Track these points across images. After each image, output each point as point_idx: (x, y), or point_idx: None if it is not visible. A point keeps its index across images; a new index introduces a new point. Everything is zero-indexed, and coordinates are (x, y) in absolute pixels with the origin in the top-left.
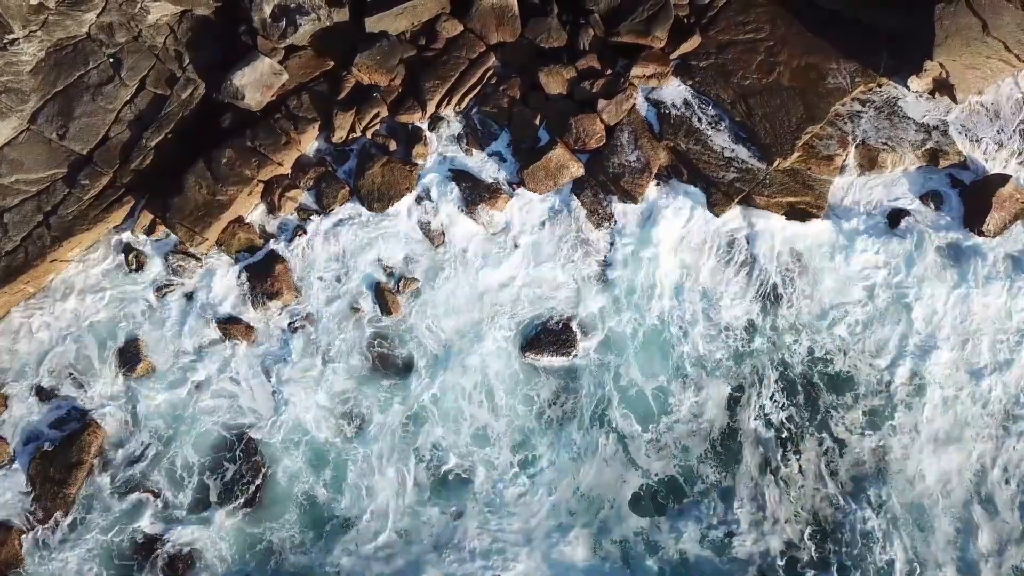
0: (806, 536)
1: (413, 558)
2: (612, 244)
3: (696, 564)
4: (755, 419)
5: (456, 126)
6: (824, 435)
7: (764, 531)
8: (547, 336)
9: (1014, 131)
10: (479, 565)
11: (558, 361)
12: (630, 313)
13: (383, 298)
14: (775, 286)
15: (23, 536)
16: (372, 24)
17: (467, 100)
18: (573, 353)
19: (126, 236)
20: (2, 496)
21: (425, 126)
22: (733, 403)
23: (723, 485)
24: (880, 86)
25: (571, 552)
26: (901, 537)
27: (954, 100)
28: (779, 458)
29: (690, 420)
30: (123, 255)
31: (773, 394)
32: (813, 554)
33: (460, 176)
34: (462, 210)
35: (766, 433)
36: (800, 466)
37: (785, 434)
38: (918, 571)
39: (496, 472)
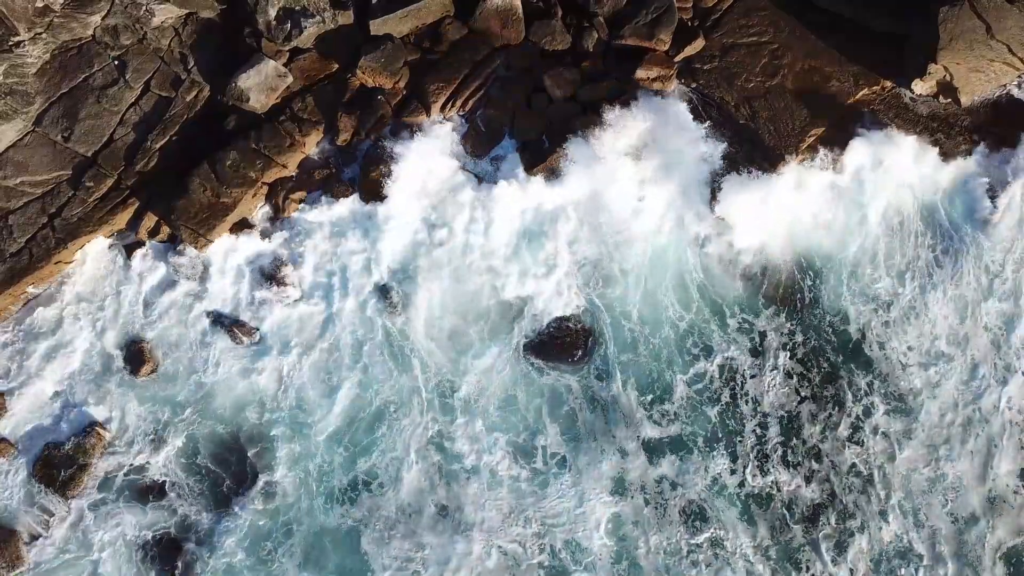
0: None
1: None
2: None
3: None
4: None
5: (460, 129)
6: None
7: None
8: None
9: None
10: None
11: None
12: None
13: (387, 299)
14: None
15: (25, 537)
16: (376, 27)
17: (471, 103)
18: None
19: (131, 238)
20: (5, 497)
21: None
22: None
23: None
24: (883, 89)
25: None
26: None
27: (958, 103)
28: None
29: None
30: (127, 256)
31: None
32: None
33: (465, 177)
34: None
35: None
36: None
37: None
38: None
39: None
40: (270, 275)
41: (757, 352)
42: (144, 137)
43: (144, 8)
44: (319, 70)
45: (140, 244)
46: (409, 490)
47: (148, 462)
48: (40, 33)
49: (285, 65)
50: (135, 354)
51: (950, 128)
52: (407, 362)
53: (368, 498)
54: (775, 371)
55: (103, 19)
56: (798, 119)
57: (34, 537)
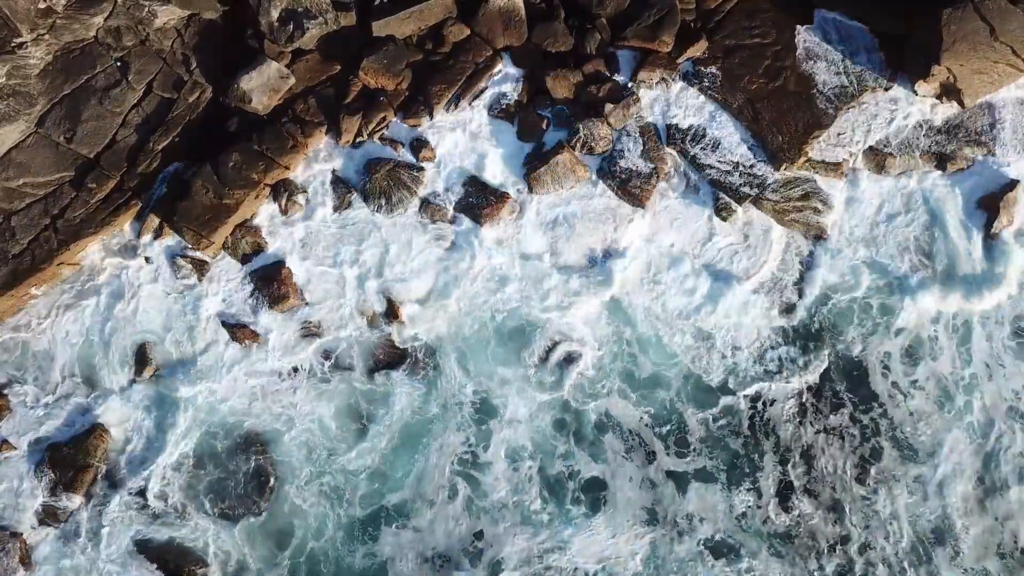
0: None
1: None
2: None
3: None
4: None
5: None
6: None
7: None
8: None
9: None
10: None
11: None
12: None
13: (389, 302)
14: None
15: (28, 539)
16: (379, 28)
17: (474, 104)
18: None
19: (133, 239)
20: (9, 499)
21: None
22: None
23: None
24: (887, 91)
25: None
26: None
27: (962, 105)
28: None
29: None
30: (130, 258)
31: None
32: None
33: (467, 180)
34: (468, 212)
35: None
36: None
37: None
38: None
39: None
40: (273, 277)
41: None
42: (146, 138)
43: (146, 9)
44: (321, 71)
45: (143, 245)
46: (436, 520)
47: (152, 465)
48: (43, 34)
49: (287, 66)
50: (138, 355)
51: (954, 130)
52: (431, 382)
53: (394, 529)
54: None
55: (105, 20)
56: (801, 121)
57: (37, 538)
